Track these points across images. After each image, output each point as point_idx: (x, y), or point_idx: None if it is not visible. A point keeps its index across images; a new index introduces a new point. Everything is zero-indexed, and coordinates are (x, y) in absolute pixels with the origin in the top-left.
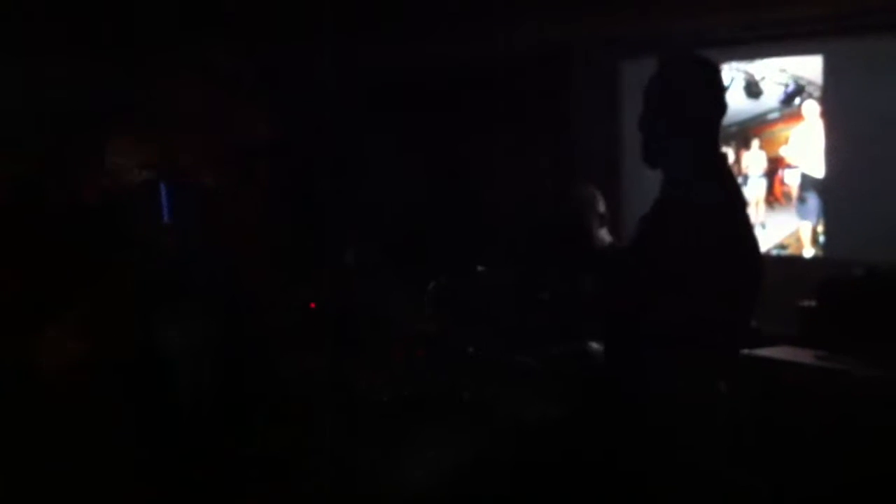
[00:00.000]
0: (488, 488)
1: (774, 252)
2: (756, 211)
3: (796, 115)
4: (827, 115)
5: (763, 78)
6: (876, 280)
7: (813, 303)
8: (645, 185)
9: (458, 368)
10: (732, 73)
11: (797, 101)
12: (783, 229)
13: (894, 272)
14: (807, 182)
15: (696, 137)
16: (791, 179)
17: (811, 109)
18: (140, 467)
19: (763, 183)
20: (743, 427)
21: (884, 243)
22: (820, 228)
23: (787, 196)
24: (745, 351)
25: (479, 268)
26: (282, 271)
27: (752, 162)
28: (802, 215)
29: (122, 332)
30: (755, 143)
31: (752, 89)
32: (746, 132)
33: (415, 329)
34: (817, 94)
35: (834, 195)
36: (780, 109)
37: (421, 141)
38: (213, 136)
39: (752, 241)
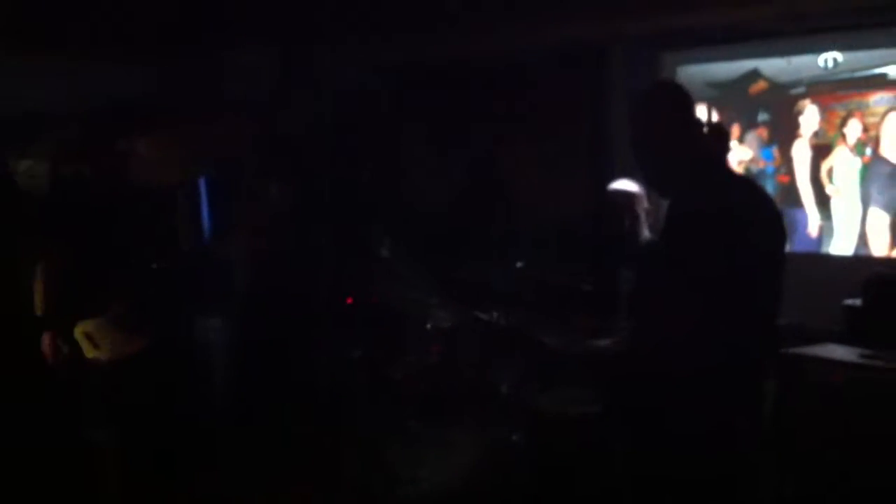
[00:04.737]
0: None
1: None
2: None
3: None
4: None
5: None
6: None
7: (858, 301)
8: None
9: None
10: None
11: None
12: None
13: None
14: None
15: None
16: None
17: None
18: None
19: None
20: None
21: None
22: None
23: None
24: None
25: (518, 263)
26: (318, 266)
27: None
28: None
29: (156, 325)
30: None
31: None
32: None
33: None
34: None
35: None
36: None
37: (458, 139)
38: (250, 130)
39: (772, 236)
